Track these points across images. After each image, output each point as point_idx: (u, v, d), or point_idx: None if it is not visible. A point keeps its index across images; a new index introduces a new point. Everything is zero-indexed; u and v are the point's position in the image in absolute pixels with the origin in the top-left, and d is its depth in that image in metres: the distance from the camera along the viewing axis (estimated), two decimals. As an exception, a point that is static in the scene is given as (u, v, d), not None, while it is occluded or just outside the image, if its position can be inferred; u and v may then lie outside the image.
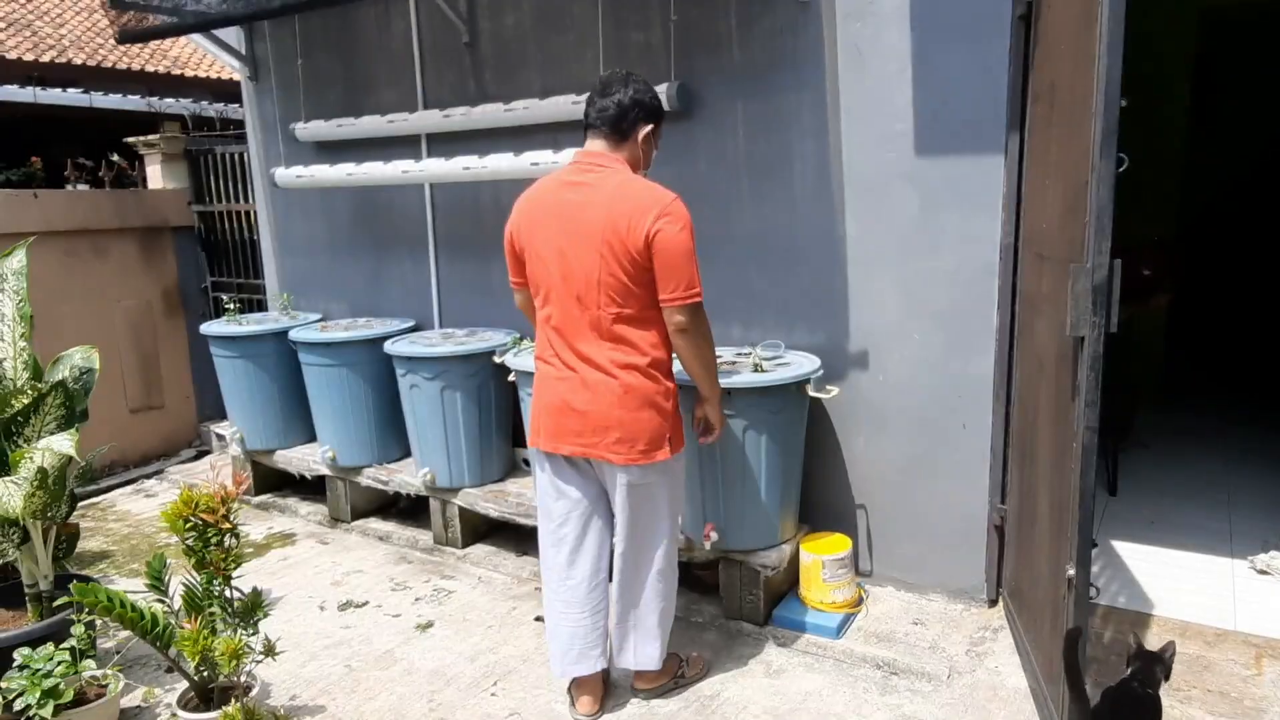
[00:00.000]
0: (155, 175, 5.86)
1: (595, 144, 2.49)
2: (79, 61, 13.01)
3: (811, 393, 3.10)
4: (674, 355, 2.56)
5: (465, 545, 4.09)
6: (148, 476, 5.53)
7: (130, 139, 5.87)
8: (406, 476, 4.14)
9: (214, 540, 2.37)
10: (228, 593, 2.54)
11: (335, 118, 4.59)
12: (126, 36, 4.39)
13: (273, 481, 4.91)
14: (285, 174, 4.62)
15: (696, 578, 3.55)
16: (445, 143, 4.32)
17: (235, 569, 2.51)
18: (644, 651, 2.71)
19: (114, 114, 10.30)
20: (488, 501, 3.90)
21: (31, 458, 2.78)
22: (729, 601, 3.27)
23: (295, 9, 3.82)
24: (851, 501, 3.47)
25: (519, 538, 4.07)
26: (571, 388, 2.47)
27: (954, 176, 3.07)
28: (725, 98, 3.49)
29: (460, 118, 4.07)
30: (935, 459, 3.26)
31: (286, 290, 5.18)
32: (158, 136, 5.68)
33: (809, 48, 3.27)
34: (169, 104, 10.26)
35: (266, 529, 4.55)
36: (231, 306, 4.79)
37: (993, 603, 3.24)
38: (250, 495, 4.90)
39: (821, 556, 3.19)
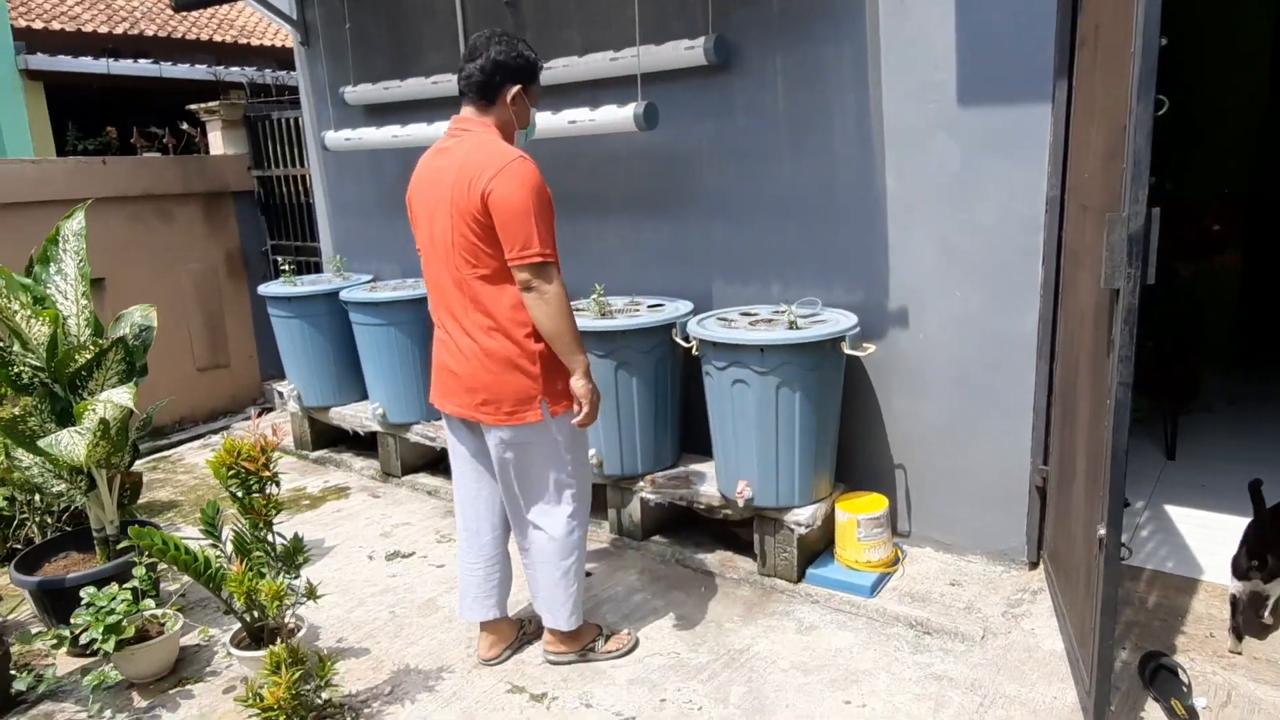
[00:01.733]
0: (216, 142, 6.04)
1: (466, 109, 2.49)
2: (150, 33, 13.38)
3: (847, 350, 3.06)
4: None
5: (509, 500, 4.18)
6: (214, 432, 5.77)
7: (193, 106, 6.05)
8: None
9: (255, 487, 2.48)
10: (270, 538, 2.65)
11: (382, 81, 4.65)
12: (181, 4, 4.49)
13: (329, 437, 5.08)
14: (334, 137, 4.71)
15: (733, 534, 3.58)
16: (488, 103, 4.34)
17: (276, 514, 2.62)
18: (543, 609, 2.76)
19: (183, 83, 10.62)
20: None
21: (94, 410, 2.93)
22: (763, 559, 3.28)
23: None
24: (890, 461, 3.43)
25: (561, 494, 4.13)
26: (448, 350, 2.54)
27: (997, 127, 2.97)
28: (764, 50, 3.42)
29: (501, 77, 4.07)
30: (976, 418, 3.20)
31: (340, 252, 5.31)
32: (218, 104, 5.84)
33: (849, -4, 3.19)
34: (233, 72, 10.53)
35: (323, 483, 4.72)
36: (287, 268, 4.93)
37: (1033, 565, 3.19)
38: (307, 450, 5.09)
39: (857, 515, 3.17)
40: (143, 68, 10.37)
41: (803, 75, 3.34)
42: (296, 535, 2.74)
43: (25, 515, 3.53)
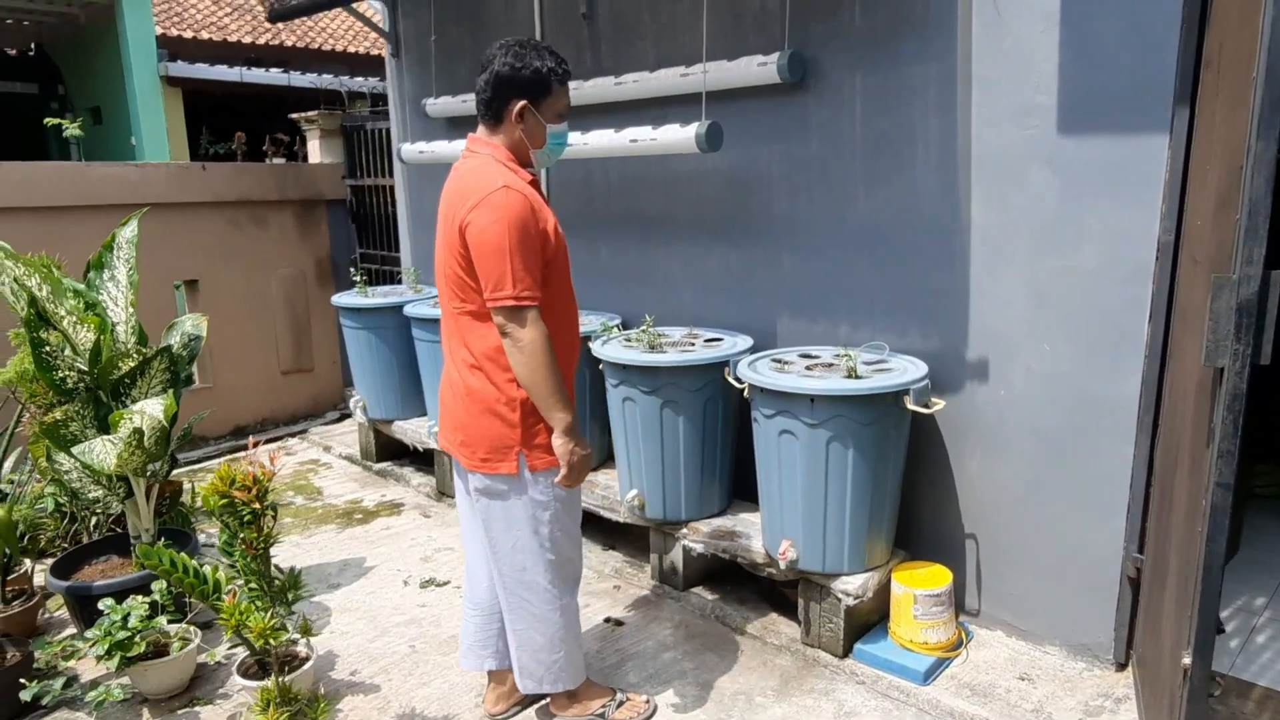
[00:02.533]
0: (315, 150, 6.17)
1: (479, 128, 2.32)
2: (290, 43, 14.07)
3: (910, 405, 2.72)
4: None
5: (555, 532, 4.00)
6: (293, 435, 5.87)
7: (295, 115, 6.20)
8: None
9: (248, 518, 2.37)
10: (268, 569, 2.55)
11: (461, 94, 4.59)
12: (276, 15, 4.57)
13: (393, 450, 5.05)
14: (409, 149, 4.68)
15: (781, 593, 3.27)
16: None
17: (268, 546, 2.49)
18: (521, 670, 2.52)
19: (313, 91, 11.08)
20: (576, 491, 3.78)
21: (130, 419, 2.93)
22: (807, 626, 2.97)
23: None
24: (961, 529, 3.05)
25: (607, 531, 3.93)
26: (444, 382, 2.41)
27: (1104, 159, 2.57)
28: (843, 68, 3.12)
29: (574, 92, 3.92)
30: (1063, 491, 2.79)
31: (418, 265, 5.29)
32: (316, 114, 5.95)
33: (940, 8, 2.85)
34: (357, 82, 10.90)
35: (379, 497, 4.68)
36: (359, 279, 4.93)
37: (1121, 667, 2.74)
38: (371, 461, 5.08)
39: (914, 589, 2.82)
40: (273, 76, 10.87)
41: (884, 96, 3.02)
42: (293, 570, 2.63)
43: (83, 514, 3.59)
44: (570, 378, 2.40)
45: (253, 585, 2.46)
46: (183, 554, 2.67)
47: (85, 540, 3.52)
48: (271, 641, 2.33)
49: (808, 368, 2.98)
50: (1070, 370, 2.72)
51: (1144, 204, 2.51)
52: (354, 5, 4.81)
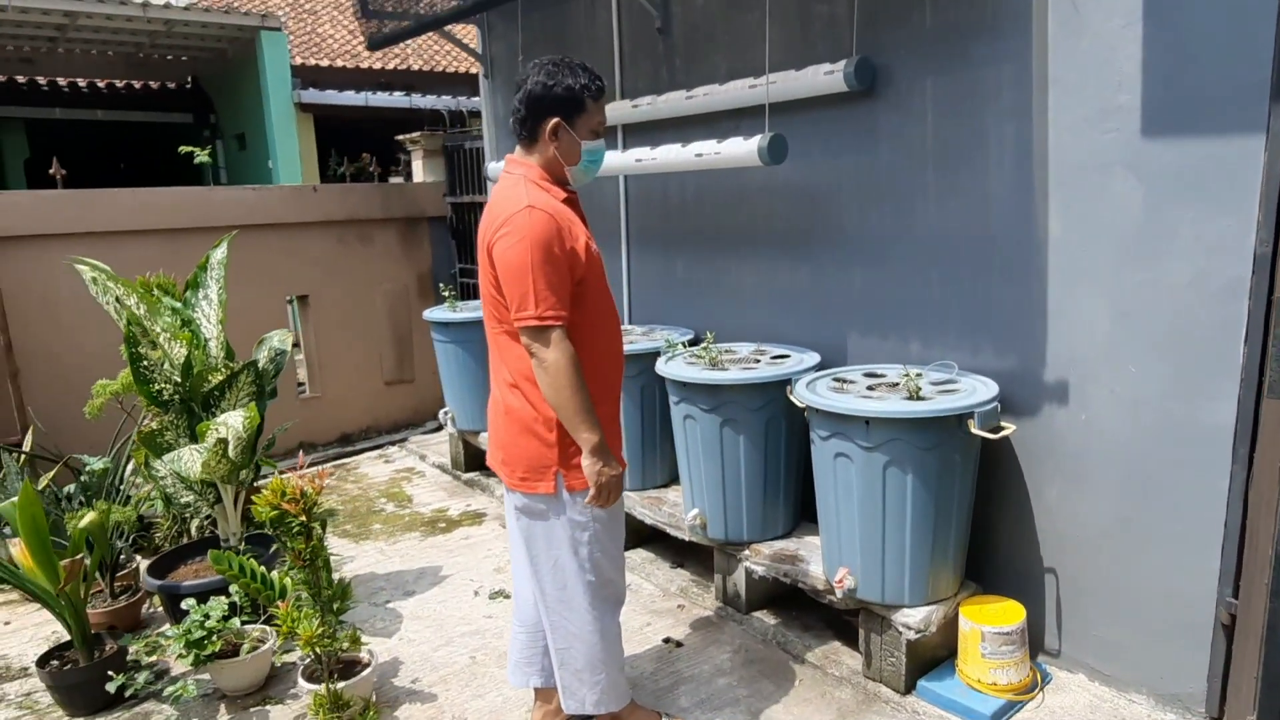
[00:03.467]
0: (418, 170, 6.43)
1: (517, 148, 2.32)
2: (417, 67, 14.77)
3: (975, 430, 2.55)
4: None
5: (626, 548, 3.99)
6: (393, 443, 6.12)
7: (400, 136, 6.48)
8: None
9: (298, 529, 2.48)
10: (323, 578, 2.65)
11: (544, 111, 4.67)
12: (374, 43, 4.79)
13: (480, 460, 5.17)
14: (494, 167, 4.80)
15: (845, 622, 3.14)
16: (640, 133, 4.21)
17: (316, 558, 2.56)
18: (565, 690, 2.50)
19: (433, 113, 11.60)
20: (644, 507, 3.76)
21: (216, 430, 3.12)
22: (868, 658, 2.83)
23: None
24: (1039, 563, 2.84)
25: (677, 548, 3.89)
26: (490, 400, 2.43)
27: (1193, 163, 2.34)
28: (913, 74, 2.98)
29: (646, 107, 3.93)
30: (1151, 525, 2.55)
31: (508, 278, 5.42)
32: (419, 134, 6.20)
33: (1014, 6, 2.68)
34: (475, 102, 11.32)
35: (464, 506, 4.81)
36: (449, 294, 5.09)
37: (1216, 719, 2.47)
38: (460, 471, 5.22)
39: (982, 626, 2.64)
40: (396, 100, 11.43)
41: (956, 102, 2.87)
42: (342, 581, 2.71)
43: (181, 516, 3.85)
44: (614, 397, 2.38)
45: (303, 595, 2.56)
46: (252, 560, 2.82)
47: (186, 541, 3.77)
48: (318, 649, 2.42)
49: (870, 387, 2.85)
50: (1158, 394, 2.49)
51: (1238, 212, 2.27)
52: (448, 29, 4.98)
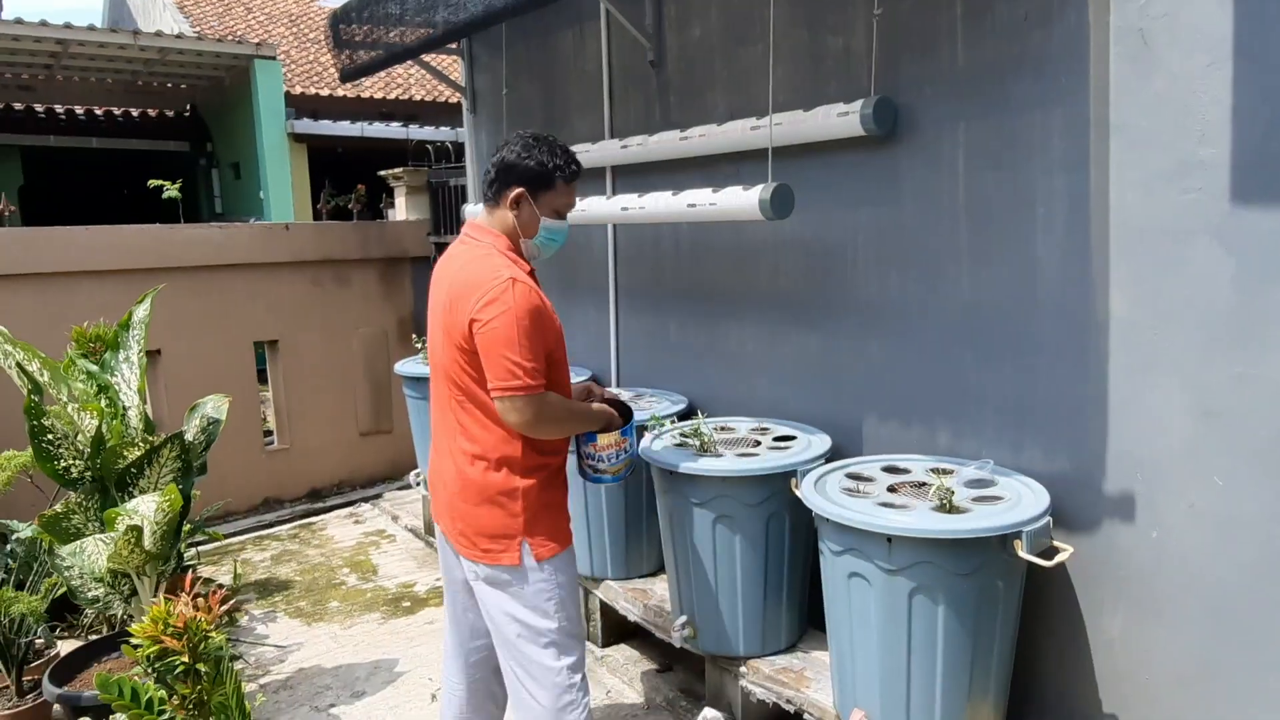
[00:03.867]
0: (401, 207, 6.04)
1: (480, 212, 2.34)
2: (419, 97, 14.48)
3: (1024, 555, 2.08)
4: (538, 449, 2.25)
5: (606, 644, 3.52)
6: (367, 499, 5.66)
7: (383, 172, 6.10)
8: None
9: (179, 669, 2.00)
10: None
11: (530, 150, 4.26)
12: (347, 75, 4.41)
13: (455, 528, 4.71)
14: (472, 209, 4.39)
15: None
16: (630, 176, 3.79)
17: (207, 714, 2.06)
18: None
19: (431, 144, 11.25)
20: (628, 601, 3.28)
21: (127, 517, 2.67)
22: (887, 821, 2.33)
23: (471, 26, 3.48)
24: (1095, 708, 2.34)
25: (665, 647, 3.40)
26: (436, 467, 2.38)
27: (1299, 234, 1.89)
28: (942, 117, 2.55)
29: (637, 148, 3.51)
30: (1243, 677, 2.06)
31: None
32: (402, 170, 5.81)
33: (1067, 41, 2.24)
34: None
35: (433, 580, 4.34)
36: (420, 344, 4.65)
37: None
38: (433, 537, 4.76)
39: (1029, 794, 2.14)
40: (393, 130, 11.11)
41: (993, 151, 2.43)
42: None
43: (95, 609, 3.38)
44: (563, 458, 2.37)
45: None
46: (151, 683, 2.34)
47: (107, 631, 3.31)
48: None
49: (892, 488, 2.38)
50: (1255, 514, 2.01)
51: (1362, 297, 1.81)
52: (427, 60, 4.60)
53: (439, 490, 2.36)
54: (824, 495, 2.33)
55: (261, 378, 5.80)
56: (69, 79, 11.83)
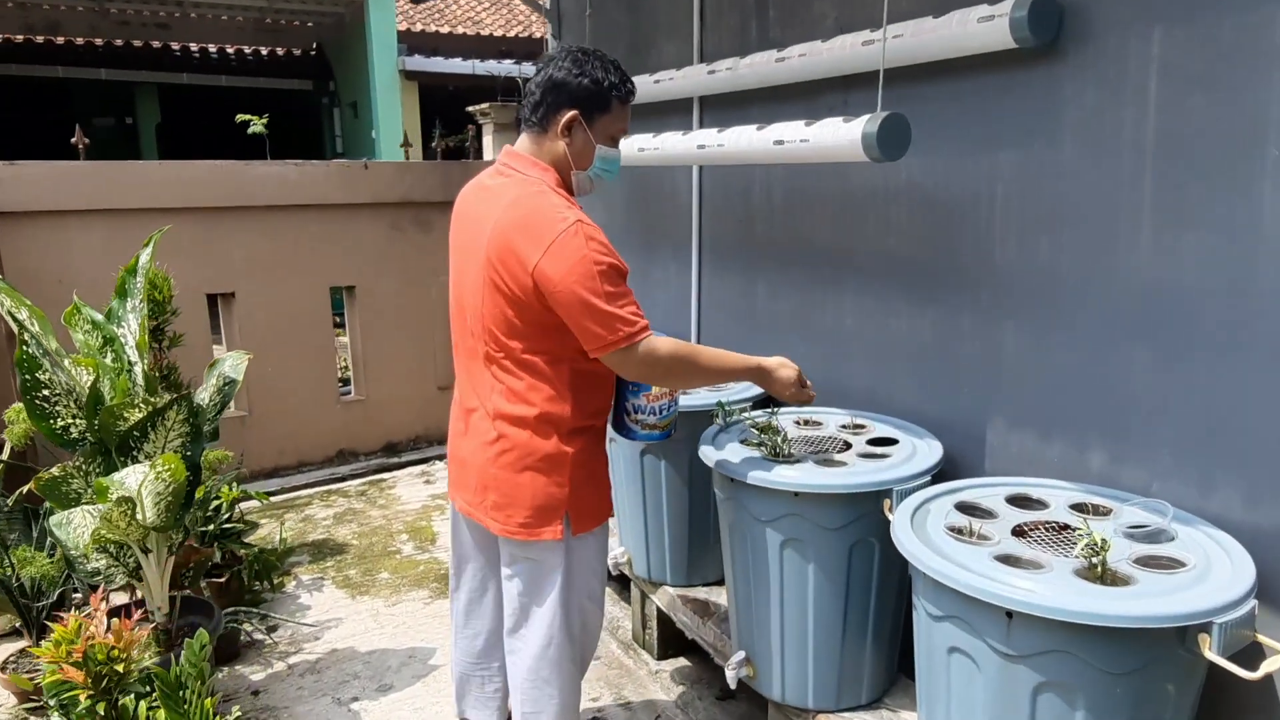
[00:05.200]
0: (489, 146, 5.62)
1: (521, 140, 2.06)
2: (539, 35, 14.04)
3: (1214, 656, 1.44)
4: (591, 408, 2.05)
5: (662, 656, 3.06)
6: (441, 457, 5.37)
7: (471, 108, 5.69)
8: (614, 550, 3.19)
9: (83, 706, 1.64)
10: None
11: (611, 79, 3.71)
12: (418, -6, 3.95)
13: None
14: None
15: None
16: (721, 109, 3.19)
17: None
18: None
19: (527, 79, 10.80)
20: (687, 614, 2.79)
21: (116, 488, 2.38)
22: None
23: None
24: None
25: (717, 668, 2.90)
26: (459, 431, 2.15)
27: None
28: (1128, 18, 1.83)
29: (726, 74, 2.90)
30: None
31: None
32: (488, 105, 5.38)
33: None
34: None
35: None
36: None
37: None
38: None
39: None
40: (504, 68, 10.72)
41: (1204, 66, 1.71)
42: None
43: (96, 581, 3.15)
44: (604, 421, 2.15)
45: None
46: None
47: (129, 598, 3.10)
48: None
49: (1019, 529, 1.77)
50: None
51: None
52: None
53: (459, 464, 2.15)
54: (923, 535, 1.75)
55: (338, 325, 5.59)
56: (202, 16, 12.05)
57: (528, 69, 10.54)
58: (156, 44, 12.76)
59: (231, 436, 4.61)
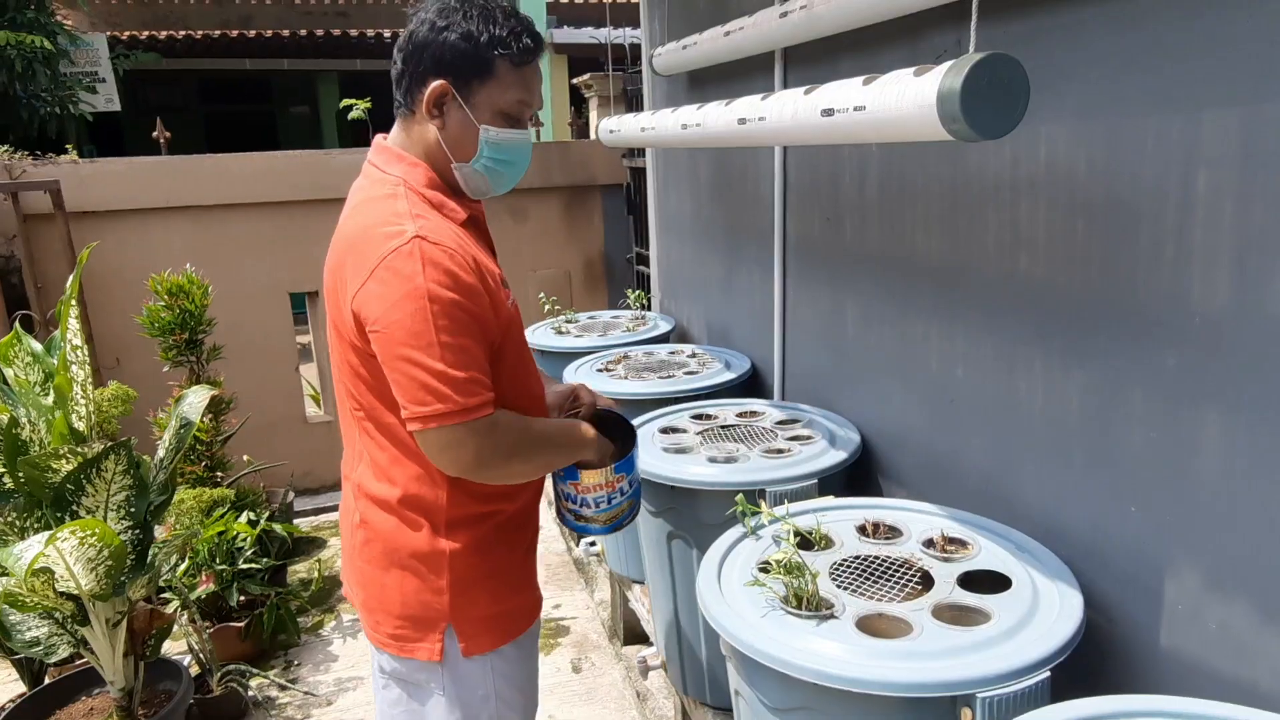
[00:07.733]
0: (594, 123, 4.99)
1: (393, 129, 1.50)
2: None
3: None
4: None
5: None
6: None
7: (575, 80, 5.08)
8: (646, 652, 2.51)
9: None
10: None
11: (687, 35, 2.96)
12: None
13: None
14: (604, 126, 3.20)
15: None
16: (808, 64, 2.38)
17: None
18: None
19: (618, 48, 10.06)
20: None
21: (16, 560, 1.99)
22: None
23: None
24: None
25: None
26: (343, 505, 1.61)
27: None
28: None
29: (800, 14, 2.08)
30: None
31: (666, 281, 3.84)
32: (590, 76, 4.75)
33: None
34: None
35: (551, 607, 3.42)
36: (547, 307, 3.63)
37: None
38: (574, 544, 3.84)
39: None
40: (625, 34, 10.05)
41: None
42: None
43: (35, 655, 2.81)
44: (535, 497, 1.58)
45: None
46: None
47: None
48: None
49: None
50: None
51: None
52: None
53: (343, 537, 1.66)
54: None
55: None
56: (377, 1, 12.30)
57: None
58: (336, 32, 13.19)
59: (306, 444, 4.32)
